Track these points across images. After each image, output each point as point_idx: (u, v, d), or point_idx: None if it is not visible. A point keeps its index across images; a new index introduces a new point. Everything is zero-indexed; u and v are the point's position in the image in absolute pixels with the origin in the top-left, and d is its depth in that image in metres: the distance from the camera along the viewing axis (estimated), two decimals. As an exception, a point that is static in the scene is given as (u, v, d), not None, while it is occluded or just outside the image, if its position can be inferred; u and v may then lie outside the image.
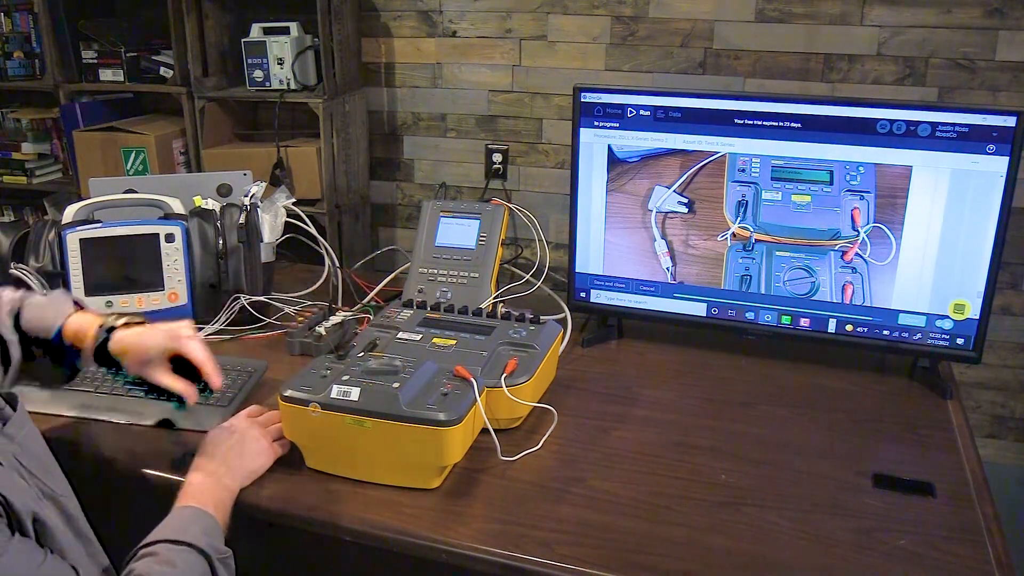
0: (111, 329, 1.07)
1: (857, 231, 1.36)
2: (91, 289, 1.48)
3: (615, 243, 1.50)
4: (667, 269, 1.48)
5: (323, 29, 2.50)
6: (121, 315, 1.09)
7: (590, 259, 1.53)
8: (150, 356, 1.05)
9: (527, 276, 1.63)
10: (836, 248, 1.37)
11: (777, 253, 1.41)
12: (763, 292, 1.43)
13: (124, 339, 1.06)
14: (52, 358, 1.08)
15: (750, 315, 1.46)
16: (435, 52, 2.70)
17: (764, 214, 1.40)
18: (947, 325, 1.35)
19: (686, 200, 1.44)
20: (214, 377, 1.07)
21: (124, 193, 1.58)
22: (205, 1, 2.64)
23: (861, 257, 1.36)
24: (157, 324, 1.09)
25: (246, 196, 1.56)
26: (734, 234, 1.42)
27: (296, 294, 1.63)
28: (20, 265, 1.44)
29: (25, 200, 3.14)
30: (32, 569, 0.80)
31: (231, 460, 1.06)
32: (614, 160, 1.46)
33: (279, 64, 2.56)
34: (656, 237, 1.47)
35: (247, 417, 1.13)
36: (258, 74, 2.59)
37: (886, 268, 1.36)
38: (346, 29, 2.61)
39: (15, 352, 1.05)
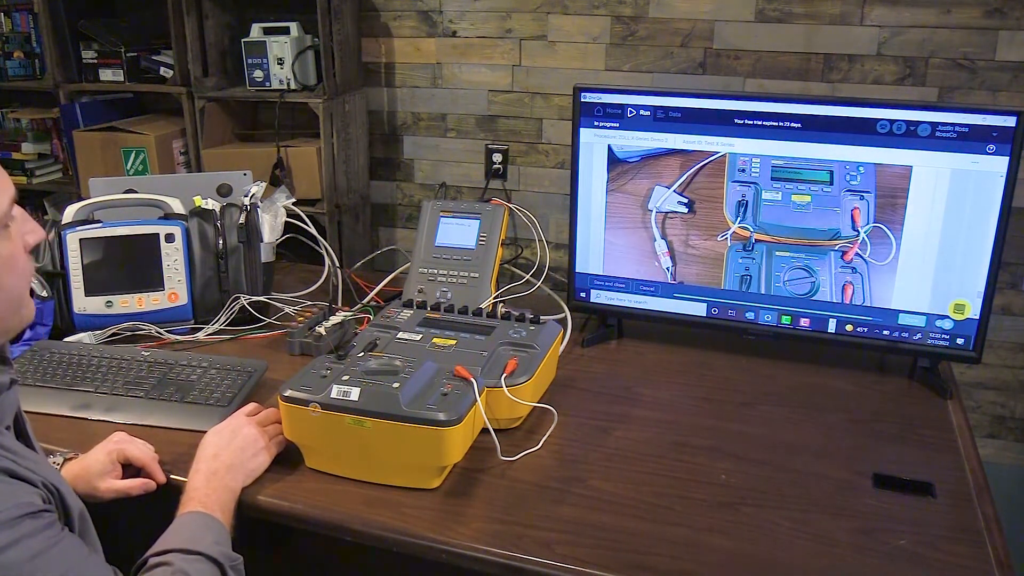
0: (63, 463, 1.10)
1: (857, 231, 1.36)
2: (91, 289, 1.48)
3: (615, 243, 1.50)
4: (667, 269, 1.48)
5: (323, 29, 2.50)
6: (69, 453, 1.11)
7: (590, 259, 1.53)
8: (94, 471, 1.07)
9: (527, 276, 1.63)
10: (836, 248, 1.37)
11: (777, 253, 1.41)
12: (763, 292, 1.43)
13: (68, 467, 1.08)
14: None
15: (750, 315, 1.46)
16: (435, 52, 2.70)
17: (764, 214, 1.40)
18: (947, 325, 1.35)
19: (686, 200, 1.44)
20: (158, 474, 1.09)
21: (124, 193, 1.58)
22: (205, 1, 2.64)
23: (861, 257, 1.36)
24: (94, 448, 1.11)
25: (246, 196, 1.56)
26: (734, 234, 1.42)
27: (296, 294, 1.63)
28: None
29: (25, 200, 3.14)
30: (81, 561, 0.81)
31: (231, 460, 1.06)
32: (614, 160, 1.46)
33: (279, 64, 2.56)
34: (656, 237, 1.47)
35: (244, 416, 1.13)
36: (258, 74, 2.59)
37: (886, 268, 1.35)
38: (346, 29, 2.61)
39: None
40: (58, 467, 1.08)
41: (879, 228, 1.34)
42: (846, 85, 2.32)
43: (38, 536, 0.77)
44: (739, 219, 1.41)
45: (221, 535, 0.96)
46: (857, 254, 1.37)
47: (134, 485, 1.07)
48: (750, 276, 1.43)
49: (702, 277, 1.46)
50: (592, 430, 1.24)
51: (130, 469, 1.10)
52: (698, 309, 1.49)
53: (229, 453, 1.06)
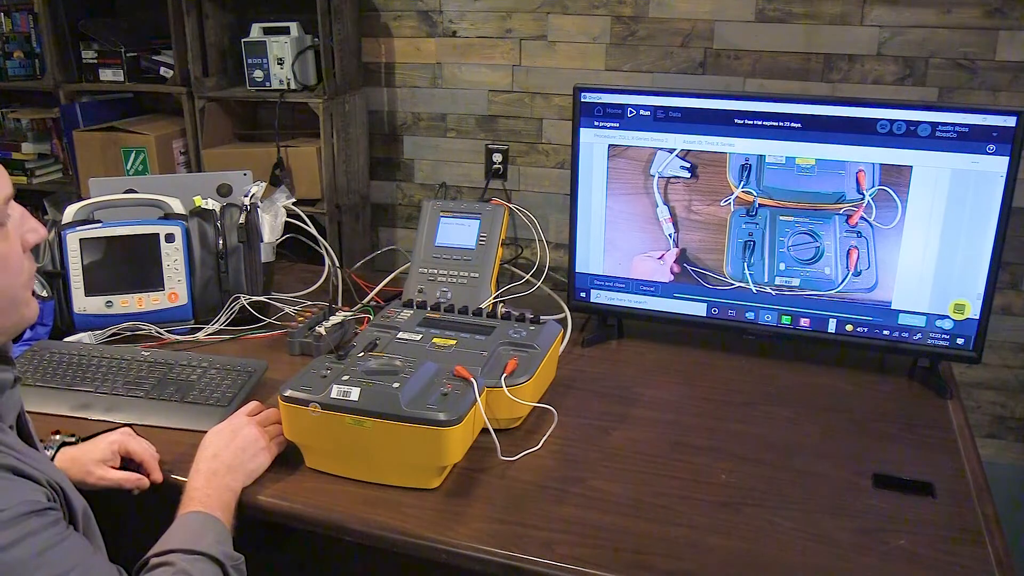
0: (61, 445, 1.10)
1: (862, 194, 1.34)
2: (91, 289, 1.48)
3: (617, 210, 1.48)
4: (669, 236, 1.46)
5: (323, 29, 2.50)
6: (70, 436, 1.13)
7: (590, 259, 1.53)
8: (92, 457, 1.08)
9: (527, 276, 1.63)
10: (841, 212, 1.35)
11: (781, 218, 1.39)
12: (767, 258, 1.40)
13: (67, 451, 1.10)
14: None
15: (750, 315, 1.46)
16: (435, 52, 2.70)
17: (768, 178, 1.38)
18: (947, 325, 1.35)
19: (689, 164, 1.43)
20: (155, 472, 1.10)
21: (124, 193, 1.57)
22: (205, 1, 2.64)
23: (866, 221, 1.34)
24: (97, 437, 1.12)
25: (246, 196, 1.56)
26: (737, 198, 1.41)
27: (296, 294, 1.63)
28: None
29: (25, 200, 3.11)
30: (86, 559, 0.81)
31: (231, 460, 1.06)
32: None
33: (279, 64, 2.56)
34: (658, 203, 1.45)
35: (245, 416, 1.13)
36: (258, 74, 2.58)
37: (892, 232, 1.33)
38: (346, 29, 2.61)
39: None
40: (55, 447, 1.09)
41: (885, 191, 1.32)
42: (846, 85, 2.32)
43: (43, 534, 0.77)
44: (743, 183, 1.40)
45: (222, 535, 0.96)
46: (862, 218, 1.34)
47: (128, 478, 1.07)
48: (754, 242, 1.41)
49: (705, 243, 1.44)
50: (592, 430, 1.24)
51: (130, 466, 1.10)
52: (698, 309, 1.48)
53: (229, 453, 1.06)
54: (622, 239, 1.50)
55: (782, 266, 1.41)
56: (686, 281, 1.48)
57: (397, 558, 1.02)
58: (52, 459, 1.06)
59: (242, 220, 1.54)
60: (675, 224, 1.46)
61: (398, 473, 1.08)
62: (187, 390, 1.28)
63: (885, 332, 1.38)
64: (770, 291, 1.43)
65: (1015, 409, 2.47)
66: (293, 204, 1.63)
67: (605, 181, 1.48)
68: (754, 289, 1.44)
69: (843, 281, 1.38)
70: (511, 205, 1.65)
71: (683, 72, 2.46)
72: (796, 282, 1.41)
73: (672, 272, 1.48)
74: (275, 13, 2.69)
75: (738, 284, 1.44)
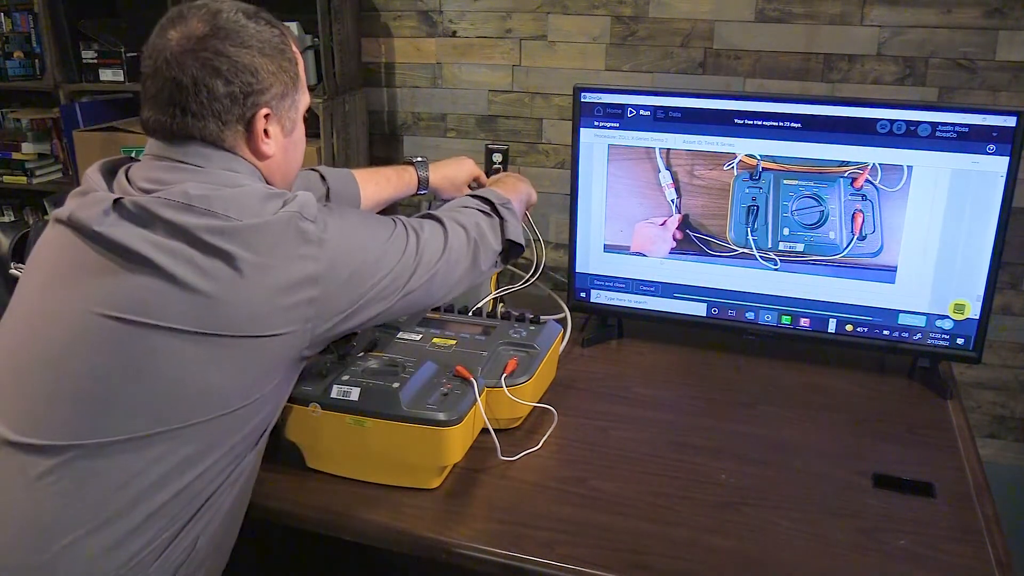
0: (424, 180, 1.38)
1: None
2: (91, 289, 1.47)
3: (618, 176, 1.47)
4: (671, 201, 1.45)
5: (323, 29, 2.50)
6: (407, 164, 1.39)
7: (590, 259, 1.53)
8: (461, 180, 1.43)
9: (527, 276, 1.63)
10: (846, 175, 1.34)
11: (785, 182, 1.38)
12: (770, 223, 1.39)
13: (441, 170, 1.40)
14: None
15: (750, 315, 1.46)
16: (435, 52, 2.70)
17: None
18: (947, 325, 1.35)
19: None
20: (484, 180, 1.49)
21: (124, 193, 1.57)
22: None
23: (871, 183, 1.33)
24: (442, 164, 1.42)
25: (246, 196, 1.56)
26: (740, 162, 1.40)
27: (296, 294, 1.63)
28: (20, 265, 1.44)
29: (25, 200, 3.14)
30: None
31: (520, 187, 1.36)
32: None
33: (279, 64, 2.56)
34: (660, 168, 1.45)
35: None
36: (258, 74, 2.58)
37: (897, 195, 1.32)
38: (346, 29, 2.61)
39: None
40: (420, 159, 1.37)
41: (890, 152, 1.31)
42: (846, 85, 2.32)
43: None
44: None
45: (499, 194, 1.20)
46: (867, 180, 1.33)
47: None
48: (757, 207, 1.40)
49: (708, 208, 1.43)
50: (592, 430, 1.24)
51: None
52: (698, 309, 1.48)
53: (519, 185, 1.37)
54: (624, 206, 1.48)
55: (786, 231, 1.39)
56: (689, 248, 1.46)
57: (397, 558, 1.03)
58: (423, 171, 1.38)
59: (242, 220, 1.54)
60: (677, 190, 1.45)
61: (398, 473, 1.08)
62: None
63: (885, 332, 1.38)
64: (774, 257, 1.41)
65: (1015, 409, 2.47)
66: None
67: (605, 181, 1.48)
68: (758, 255, 1.42)
69: (848, 245, 1.36)
70: (511, 205, 1.65)
71: (683, 72, 2.46)
72: (800, 247, 1.39)
73: (675, 239, 1.47)
74: (275, 13, 2.69)
75: (741, 250, 1.43)
